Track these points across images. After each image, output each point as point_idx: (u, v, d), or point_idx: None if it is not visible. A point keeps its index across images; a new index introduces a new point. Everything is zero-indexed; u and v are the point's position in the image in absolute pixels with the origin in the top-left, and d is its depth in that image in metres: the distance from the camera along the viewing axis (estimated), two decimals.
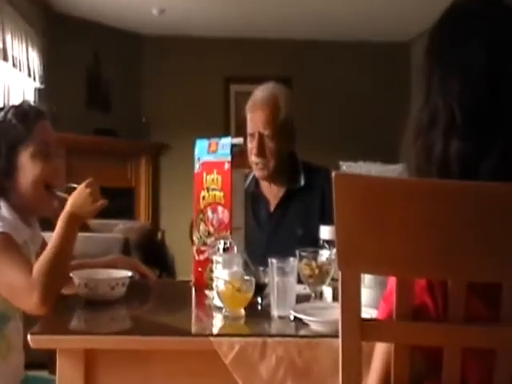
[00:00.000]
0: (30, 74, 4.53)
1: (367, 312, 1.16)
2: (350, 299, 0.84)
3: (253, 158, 2.12)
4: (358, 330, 0.84)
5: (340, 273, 0.85)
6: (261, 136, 2.11)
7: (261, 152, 2.11)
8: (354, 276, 0.85)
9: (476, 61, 0.89)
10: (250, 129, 2.15)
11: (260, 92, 2.17)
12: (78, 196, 1.55)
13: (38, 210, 1.68)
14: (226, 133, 5.56)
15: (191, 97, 6.03)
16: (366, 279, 1.37)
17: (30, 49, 4.57)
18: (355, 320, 0.84)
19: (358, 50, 6.10)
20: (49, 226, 1.72)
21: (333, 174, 0.82)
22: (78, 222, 1.54)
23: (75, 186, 1.60)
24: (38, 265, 1.46)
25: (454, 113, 0.89)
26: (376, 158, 1.52)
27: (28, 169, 1.60)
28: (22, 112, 1.64)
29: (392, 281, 0.89)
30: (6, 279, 1.46)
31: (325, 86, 6.11)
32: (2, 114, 1.62)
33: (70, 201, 1.55)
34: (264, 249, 2.05)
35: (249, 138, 2.11)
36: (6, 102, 4.06)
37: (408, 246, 0.83)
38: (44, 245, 1.79)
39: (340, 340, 0.85)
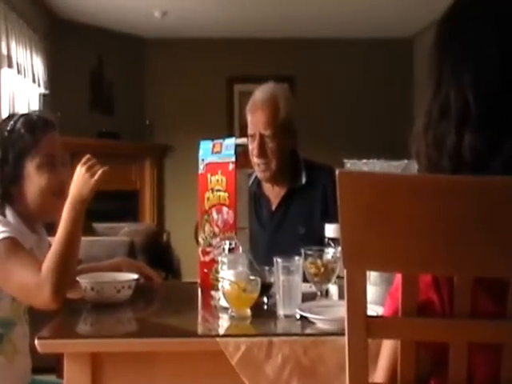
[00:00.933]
0: (34, 80, 4.55)
1: (373, 309, 1.16)
2: (355, 297, 0.84)
3: (254, 159, 2.12)
4: (364, 328, 0.83)
5: (345, 270, 0.85)
6: (261, 137, 2.11)
7: (262, 153, 2.11)
8: (359, 273, 0.84)
9: (488, 47, 0.87)
10: (250, 130, 2.15)
11: (259, 93, 2.17)
12: (76, 178, 1.53)
13: (46, 216, 1.68)
14: (229, 133, 5.55)
15: (194, 98, 6.04)
16: (372, 276, 1.37)
17: (34, 55, 4.59)
18: (361, 317, 0.84)
19: (360, 47, 6.09)
20: (55, 230, 1.72)
21: (337, 172, 0.82)
22: (83, 205, 1.51)
23: None
24: (47, 261, 1.46)
25: (468, 104, 0.86)
26: (380, 155, 1.51)
27: (34, 179, 1.61)
28: (31, 122, 1.64)
29: (398, 277, 0.88)
30: (17, 280, 1.48)
31: (327, 84, 6.10)
32: (12, 122, 1.63)
33: (71, 187, 1.53)
34: (266, 248, 2.06)
35: (249, 139, 2.11)
36: (11, 108, 4.07)
37: (414, 243, 0.82)
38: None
39: (346, 338, 0.84)
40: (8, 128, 1.62)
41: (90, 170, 1.52)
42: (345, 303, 0.84)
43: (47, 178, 1.62)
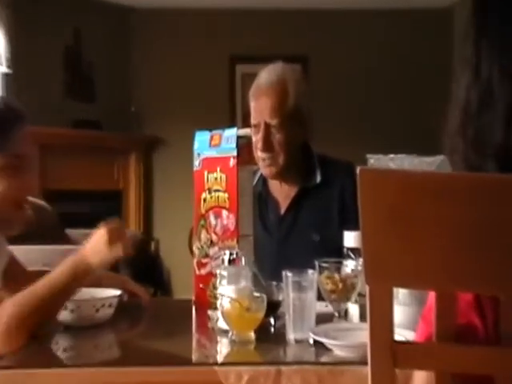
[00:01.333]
0: None
1: (401, 334, 1.16)
2: (380, 319, 0.84)
3: (259, 154, 2.12)
4: (391, 356, 0.83)
5: (368, 287, 0.85)
6: (267, 127, 2.11)
7: (267, 146, 2.11)
8: (384, 291, 0.84)
9: None
10: (254, 119, 2.15)
11: (265, 75, 2.18)
12: (94, 241, 1.56)
13: (3, 228, 1.66)
14: (230, 123, 5.56)
15: (189, 81, 6.05)
16: (400, 295, 1.37)
17: None
18: (387, 343, 0.84)
19: (387, 21, 6.06)
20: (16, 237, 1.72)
21: (357, 170, 0.82)
22: (85, 274, 1.52)
23: None
24: (18, 298, 1.43)
25: None
26: (409, 149, 1.52)
27: None
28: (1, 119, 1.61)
29: (432, 296, 0.88)
30: None
31: (348, 64, 6.09)
32: None
33: (85, 245, 1.56)
34: (274, 260, 2.06)
35: (253, 130, 2.11)
36: None
37: (449, 254, 0.82)
38: (12, 260, 1.80)
39: (369, 368, 0.84)
40: None
41: (113, 243, 1.55)
42: (367, 326, 0.84)
43: (10, 184, 1.59)
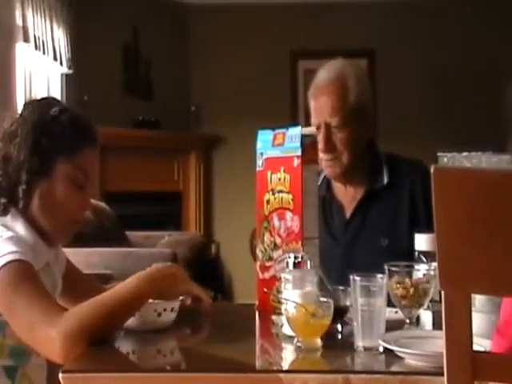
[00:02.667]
0: (55, 57, 4.67)
1: (479, 343, 1.14)
2: (457, 327, 0.82)
3: (320, 155, 2.10)
4: (470, 367, 0.82)
5: (443, 293, 0.84)
6: (327, 127, 2.10)
7: (329, 146, 2.10)
8: (461, 297, 0.83)
9: None
10: (314, 119, 2.15)
11: (323, 72, 2.17)
12: (162, 265, 1.62)
13: (52, 238, 1.69)
14: (293, 121, 5.57)
15: (250, 78, 6.07)
16: (478, 301, 1.34)
17: (55, 26, 4.70)
18: (465, 353, 0.82)
19: (464, 9, 5.93)
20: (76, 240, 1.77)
21: (432, 169, 0.81)
22: (151, 289, 1.54)
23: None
24: (82, 309, 1.45)
25: None
26: (485, 146, 1.48)
27: (58, 185, 1.64)
28: (78, 124, 1.68)
29: (507, 305, 0.86)
30: (22, 319, 1.47)
31: (417, 58, 6.01)
32: (56, 109, 1.66)
33: (153, 267, 1.59)
34: (340, 264, 2.05)
35: (316, 131, 2.10)
36: (27, 92, 4.19)
37: None
38: (69, 266, 1.84)
39: (445, 379, 0.83)
40: (51, 113, 1.65)
41: (180, 277, 1.63)
42: (443, 334, 0.83)
43: (71, 195, 1.65)
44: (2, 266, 1.47)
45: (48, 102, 1.74)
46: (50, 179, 1.64)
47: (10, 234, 1.56)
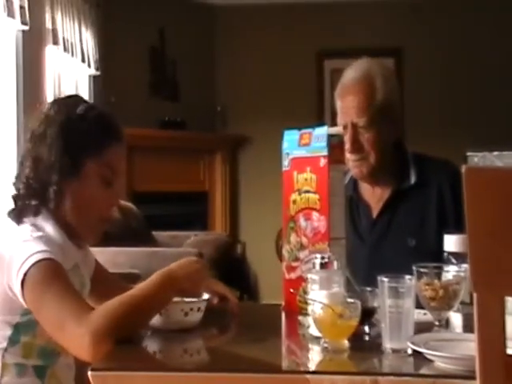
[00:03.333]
0: (83, 59, 4.71)
1: None
2: (489, 330, 0.81)
3: (347, 155, 2.09)
4: (503, 371, 0.80)
5: (475, 295, 0.82)
6: (354, 127, 2.09)
7: (356, 147, 2.09)
8: (494, 299, 0.82)
9: None
10: (340, 119, 2.14)
11: (350, 72, 2.17)
12: (184, 261, 1.61)
13: (80, 235, 1.70)
14: (319, 121, 5.55)
15: (276, 78, 6.07)
16: (510, 303, 1.31)
17: (83, 29, 4.74)
18: (498, 357, 0.80)
19: (490, 11, 5.87)
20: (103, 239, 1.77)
21: (463, 169, 0.80)
22: (173, 285, 1.55)
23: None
24: (108, 307, 1.45)
25: None
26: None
27: (87, 184, 1.65)
28: (105, 122, 1.69)
29: None
30: (52, 318, 1.47)
31: (447, 56, 5.95)
32: (83, 108, 1.67)
33: (175, 263, 1.59)
34: (367, 265, 2.04)
35: (343, 132, 2.09)
36: (56, 93, 4.23)
37: None
38: (97, 266, 1.85)
39: (478, 383, 0.81)
40: (78, 111, 1.66)
41: (202, 272, 1.63)
42: (475, 337, 0.81)
43: (99, 192, 1.67)
44: (32, 265, 1.48)
45: (73, 100, 1.75)
46: (80, 178, 1.65)
47: (40, 233, 1.58)
